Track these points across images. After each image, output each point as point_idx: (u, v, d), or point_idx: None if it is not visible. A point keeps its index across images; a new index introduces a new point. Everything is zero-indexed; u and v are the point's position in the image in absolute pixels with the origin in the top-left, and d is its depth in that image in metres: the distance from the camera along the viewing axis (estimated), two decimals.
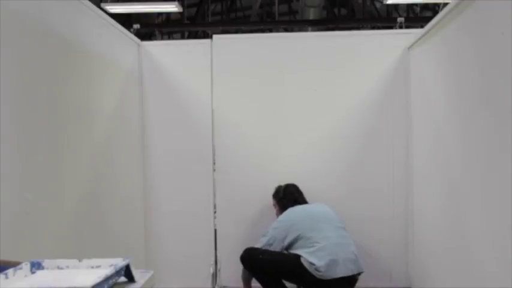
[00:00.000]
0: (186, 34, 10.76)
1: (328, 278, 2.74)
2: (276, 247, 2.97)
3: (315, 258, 2.77)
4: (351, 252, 2.85)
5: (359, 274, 2.87)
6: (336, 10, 9.81)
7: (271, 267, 2.96)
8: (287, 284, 3.04)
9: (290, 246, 2.95)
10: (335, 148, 3.51)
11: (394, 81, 3.46)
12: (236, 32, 8.18)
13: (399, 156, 3.45)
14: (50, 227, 2.12)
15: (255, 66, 3.55)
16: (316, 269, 2.74)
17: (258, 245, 3.04)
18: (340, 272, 2.75)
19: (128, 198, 3.27)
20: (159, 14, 8.97)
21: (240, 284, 3.21)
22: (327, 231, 2.90)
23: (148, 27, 8.05)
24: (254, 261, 3.01)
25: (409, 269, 3.42)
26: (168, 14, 9.27)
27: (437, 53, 2.69)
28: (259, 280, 3.04)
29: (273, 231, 3.02)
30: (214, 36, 3.59)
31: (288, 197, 3.25)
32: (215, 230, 3.58)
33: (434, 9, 8.93)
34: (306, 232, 2.90)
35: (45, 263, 1.39)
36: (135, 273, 1.37)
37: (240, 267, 3.17)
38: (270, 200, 3.38)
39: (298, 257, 2.84)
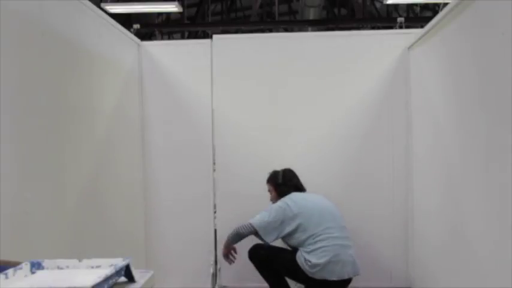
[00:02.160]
0: (186, 34, 10.76)
1: (320, 278, 2.72)
2: (271, 231, 2.86)
3: (313, 256, 2.74)
4: (350, 255, 2.82)
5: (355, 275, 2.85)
6: (336, 10, 9.82)
7: (270, 261, 2.95)
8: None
9: (290, 235, 2.86)
10: (335, 148, 3.51)
11: (394, 81, 3.46)
12: (236, 32, 8.18)
13: (399, 155, 3.45)
14: (50, 227, 2.12)
15: (255, 66, 3.55)
16: (312, 267, 2.72)
17: (252, 220, 2.92)
18: (336, 274, 2.73)
19: (128, 198, 3.27)
20: (159, 14, 8.97)
21: (240, 284, 3.21)
22: (333, 231, 2.83)
23: (148, 27, 8.05)
24: (256, 254, 3.00)
25: (409, 269, 3.42)
26: (168, 14, 9.27)
27: (437, 53, 2.69)
28: (263, 276, 3.04)
29: (276, 211, 2.89)
30: (214, 36, 3.59)
31: (287, 183, 3.13)
32: (215, 230, 3.58)
33: (434, 9, 8.93)
34: (313, 227, 2.81)
35: (45, 263, 1.39)
36: (135, 273, 1.37)
37: (239, 267, 3.18)
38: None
39: (294, 253, 2.82)
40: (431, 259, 2.88)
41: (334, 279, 2.73)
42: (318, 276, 2.72)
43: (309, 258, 2.74)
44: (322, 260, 2.72)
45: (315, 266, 2.72)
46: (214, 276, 3.51)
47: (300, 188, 3.13)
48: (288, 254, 2.91)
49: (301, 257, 2.78)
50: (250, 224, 2.91)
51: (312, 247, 2.77)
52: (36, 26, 2.07)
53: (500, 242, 1.81)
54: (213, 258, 3.55)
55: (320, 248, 2.76)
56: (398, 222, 3.46)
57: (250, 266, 3.13)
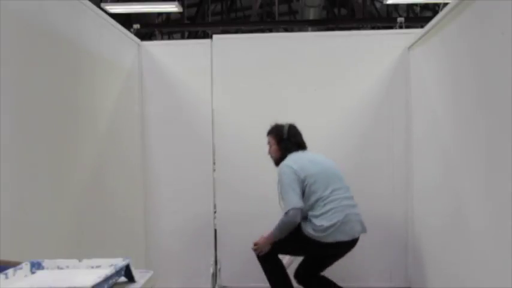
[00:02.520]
0: (186, 34, 10.77)
1: (333, 240, 2.67)
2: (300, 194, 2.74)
3: (324, 219, 2.68)
4: (357, 214, 2.78)
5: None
6: (336, 10, 9.82)
7: (277, 249, 2.86)
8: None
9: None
10: (335, 148, 3.49)
11: (394, 81, 3.46)
12: (236, 32, 8.19)
13: (398, 155, 3.45)
14: (50, 227, 2.12)
15: (254, 66, 3.55)
16: (323, 230, 2.66)
17: (290, 205, 2.70)
18: (348, 234, 2.70)
19: (128, 198, 3.27)
20: (159, 14, 8.97)
21: (240, 284, 3.20)
22: (340, 191, 2.77)
23: (148, 27, 8.05)
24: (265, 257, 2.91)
25: (409, 268, 3.42)
26: (168, 14, 9.28)
27: (437, 53, 2.69)
28: (267, 274, 2.94)
29: (294, 180, 2.74)
30: (214, 36, 3.60)
31: (291, 139, 2.96)
32: (215, 230, 3.58)
33: (434, 9, 8.93)
34: (321, 190, 2.74)
35: (45, 263, 1.39)
36: (135, 273, 1.37)
37: (239, 267, 3.17)
38: (271, 199, 3.36)
39: (298, 228, 2.74)
40: (431, 259, 2.88)
41: (347, 239, 2.70)
42: (331, 239, 2.67)
43: (320, 223, 2.67)
44: (333, 222, 2.67)
45: (327, 229, 2.66)
46: (214, 276, 3.52)
47: (302, 146, 2.99)
48: (290, 234, 2.79)
49: (307, 226, 2.71)
50: (293, 209, 2.70)
51: (321, 210, 2.71)
52: (36, 26, 2.07)
53: (501, 241, 1.81)
54: (213, 258, 3.55)
55: (330, 210, 2.70)
56: (398, 221, 3.46)
57: (250, 266, 3.12)
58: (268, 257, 2.91)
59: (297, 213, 2.71)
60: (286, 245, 2.86)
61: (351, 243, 2.76)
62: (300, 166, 2.80)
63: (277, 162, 2.98)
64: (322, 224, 2.68)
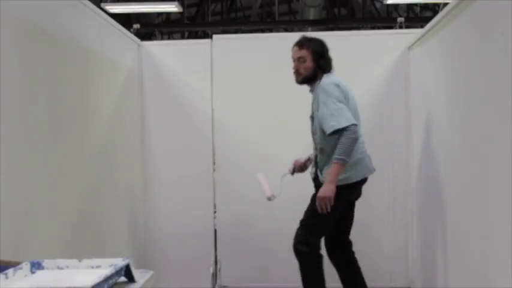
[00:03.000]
0: (186, 34, 10.78)
1: (363, 177, 2.59)
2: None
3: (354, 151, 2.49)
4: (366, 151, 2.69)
5: None
6: (336, 10, 9.83)
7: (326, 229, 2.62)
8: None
9: None
10: None
11: (394, 81, 3.46)
12: (236, 32, 8.19)
13: (398, 155, 3.45)
14: (50, 227, 2.12)
15: (254, 66, 3.55)
16: (350, 168, 2.50)
17: (345, 121, 2.40)
18: (370, 170, 2.64)
19: (128, 198, 3.27)
20: (159, 14, 8.99)
21: (240, 284, 3.19)
22: (360, 127, 2.59)
23: (148, 27, 8.06)
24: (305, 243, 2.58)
25: (409, 269, 3.42)
26: (168, 14, 9.29)
27: (437, 53, 2.69)
28: (303, 273, 2.62)
29: (340, 92, 2.49)
30: (214, 36, 3.60)
31: (329, 60, 2.65)
32: (215, 230, 3.58)
33: (434, 9, 8.94)
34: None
35: (45, 263, 1.39)
36: (135, 273, 1.37)
37: (239, 267, 3.16)
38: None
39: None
40: (432, 259, 2.88)
41: (369, 174, 2.63)
42: (360, 176, 2.57)
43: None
44: (360, 156, 2.57)
45: (355, 164, 2.52)
46: (214, 276, 3.51)
47: (332, 67, 2.68)
48: (314, 203, 2.53)
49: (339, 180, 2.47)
50: (353, 124, 2.42)
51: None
52: (36, 26, 2.07)
53: (501, 242, 1.81)
54: (213, 258, 3.55)
55: (359, 143, 2.56)
56: (399, 221, 3.45)
57: (250, 266, 3.13)
58: (312, 254, 2.59)
59: (356, 129, 2.43)
60: (315, 218, 2.55)
61: (366, 180, 2.66)
62: (344, 87, 2.55)
63: (305, 81, 2.68)
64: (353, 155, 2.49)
